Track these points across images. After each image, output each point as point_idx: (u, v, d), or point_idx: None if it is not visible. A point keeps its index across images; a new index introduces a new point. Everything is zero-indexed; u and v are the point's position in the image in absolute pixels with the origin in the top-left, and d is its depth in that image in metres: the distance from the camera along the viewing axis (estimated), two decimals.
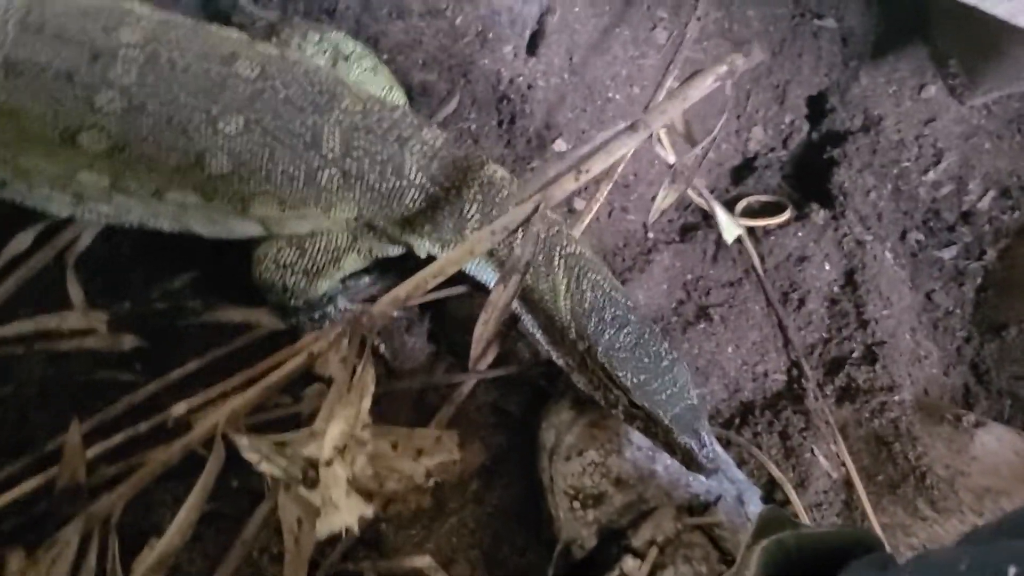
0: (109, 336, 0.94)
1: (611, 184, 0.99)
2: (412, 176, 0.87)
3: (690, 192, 1.07)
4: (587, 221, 1.00)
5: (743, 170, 1.33)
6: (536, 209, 0.79)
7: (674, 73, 1.04)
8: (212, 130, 0.83)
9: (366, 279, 1.05)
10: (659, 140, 0.91)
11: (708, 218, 1.23)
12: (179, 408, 0.88)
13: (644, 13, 1.24)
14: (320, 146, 0.85)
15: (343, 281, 1.01)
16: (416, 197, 0.88)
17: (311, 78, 0.86)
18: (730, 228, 0.97)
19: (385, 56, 1.06)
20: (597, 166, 0.78)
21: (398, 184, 0.87)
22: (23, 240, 0.98)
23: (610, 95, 1.20)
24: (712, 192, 1.28)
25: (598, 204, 0.99)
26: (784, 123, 1.32)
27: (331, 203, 0.88)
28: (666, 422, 0.83)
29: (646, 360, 0.84)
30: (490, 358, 0.92)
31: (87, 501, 0.83)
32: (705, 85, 0.77)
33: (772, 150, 1.33)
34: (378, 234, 0.91)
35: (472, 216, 0.88)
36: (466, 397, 0.98)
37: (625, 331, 0.84)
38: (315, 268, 0.91)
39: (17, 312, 0.95)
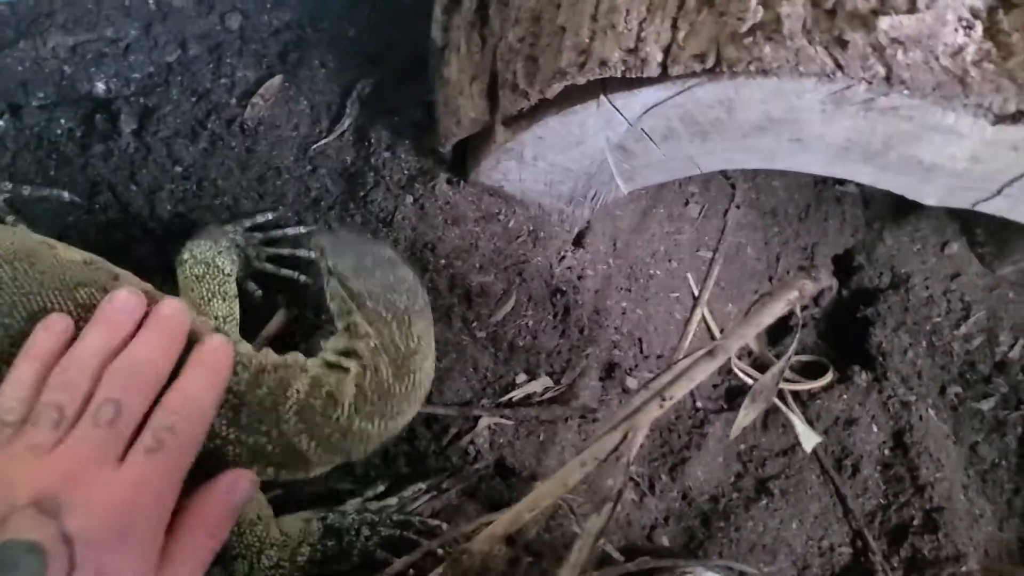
0: None
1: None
2: None
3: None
4: (653, 416, 1.03)
5: (779, 330, 1.37)
6: (625, 437, 0.82)
7: (719, 262, 1.09)
8: None
9: (420, 486, 1.01)
10: (736, 362, 0.95)
11: (754, 380, 1.27)
12: None
13: (677, 190, 1.29)
14: None
15: (392, 493, 1.00)
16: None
17: None
18: (808, 436, 1.00)
19: (443, 261, 1.10)
20: (679, 391, 0.82)
21: None
22: None
23: (651, 271, 1.25)
24: (751, 356, 1.31)
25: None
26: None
27: None
28: None
29: None
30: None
31: None
32: (776, 311, 0.81)
33: (804, 308, 1.38)
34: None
35: None
36: None
37: None
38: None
39: None
